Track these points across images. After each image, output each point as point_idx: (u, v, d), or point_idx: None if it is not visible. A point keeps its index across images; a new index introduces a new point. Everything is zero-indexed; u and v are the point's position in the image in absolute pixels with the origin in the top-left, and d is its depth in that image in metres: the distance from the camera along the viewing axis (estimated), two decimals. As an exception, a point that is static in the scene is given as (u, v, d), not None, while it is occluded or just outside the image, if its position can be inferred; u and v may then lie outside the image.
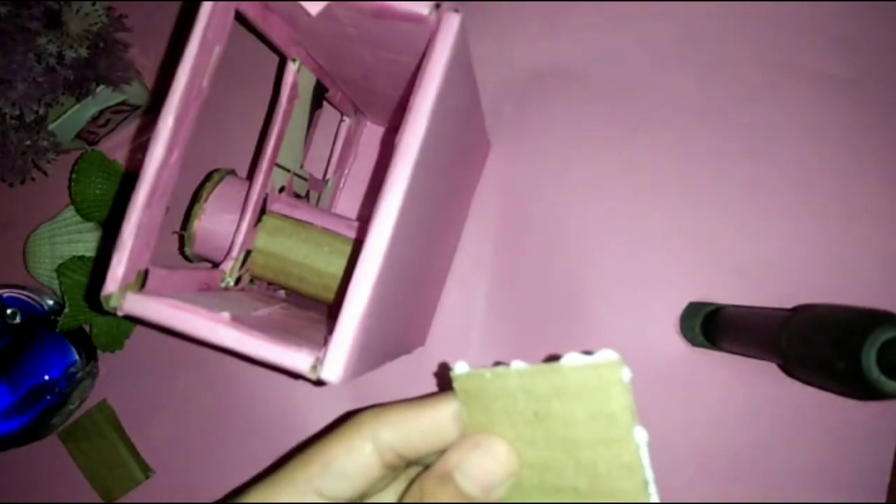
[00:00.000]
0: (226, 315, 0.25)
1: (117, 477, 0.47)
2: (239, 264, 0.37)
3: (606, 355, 0.18)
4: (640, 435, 0.18)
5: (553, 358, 0.19)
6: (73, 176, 0.46)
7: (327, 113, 0.44)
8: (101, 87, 0.44)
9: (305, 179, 0.43)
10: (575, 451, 0.19)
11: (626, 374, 0.18)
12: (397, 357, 0.38)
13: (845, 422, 0.40)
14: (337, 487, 0.22)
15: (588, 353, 0.18)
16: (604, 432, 0.19)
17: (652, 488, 0.18)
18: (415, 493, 0.21)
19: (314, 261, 0.38)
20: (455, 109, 0.29)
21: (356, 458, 0.22)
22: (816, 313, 0.30)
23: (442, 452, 0.22)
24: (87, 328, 0.47)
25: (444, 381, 0.43)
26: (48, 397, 0.45)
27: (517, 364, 0.20)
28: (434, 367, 0.45)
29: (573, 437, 0.19)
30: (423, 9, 0.25)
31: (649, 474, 0.18)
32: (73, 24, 0.40)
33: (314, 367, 0.23)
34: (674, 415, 0.41)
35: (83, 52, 0.41)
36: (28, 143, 0.43)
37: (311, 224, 0.38)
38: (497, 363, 0.20)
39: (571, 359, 0.18)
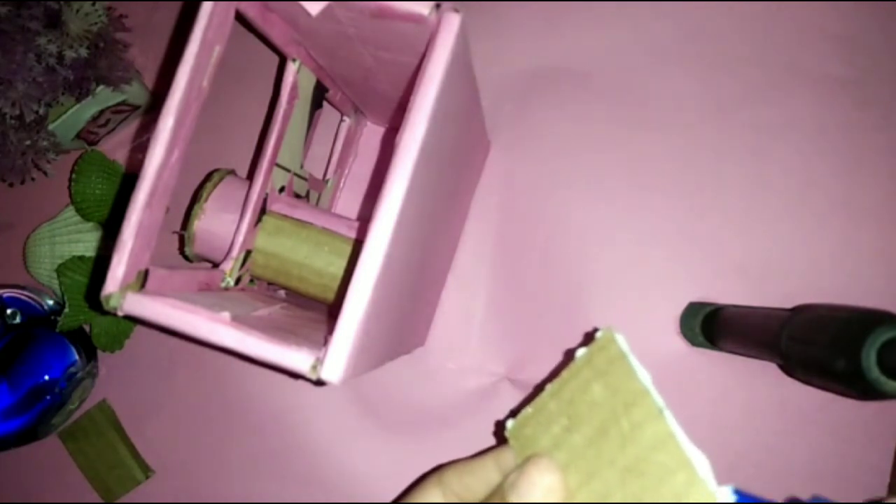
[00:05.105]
0: (226, 315, 0.25)
1: (117, 477, 0.47)
2: (239, 264, 0.37)
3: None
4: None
5: None
6: (73, 176, 0.46)
7: (327, 113, 0.44)
8: (101, 87, 0.44)
9: (305, 179, 0.43)
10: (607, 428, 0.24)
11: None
12: (397, 357, 0.38)
13: (845, 422, 0.40)
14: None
15: None
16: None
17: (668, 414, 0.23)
18: None
19: (314, 261, 0.38)
20: (455, 109, 0.29)
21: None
22: (816, 313, 0.30)
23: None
24: (87, 328, 0.47)
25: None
26: (48, 397, 0.45)
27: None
28: (434, 368, 0.45)
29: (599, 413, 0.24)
30: (423, 9, 0.25)
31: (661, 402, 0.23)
32: (73, 24, 0.41)
33: (314, 367, 0.23)
34: (673, 415, 0.41)
35: (83, 52, 0.41)
36: (28, 143, 0.43)
37: (311, 224, 0.38)
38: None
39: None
